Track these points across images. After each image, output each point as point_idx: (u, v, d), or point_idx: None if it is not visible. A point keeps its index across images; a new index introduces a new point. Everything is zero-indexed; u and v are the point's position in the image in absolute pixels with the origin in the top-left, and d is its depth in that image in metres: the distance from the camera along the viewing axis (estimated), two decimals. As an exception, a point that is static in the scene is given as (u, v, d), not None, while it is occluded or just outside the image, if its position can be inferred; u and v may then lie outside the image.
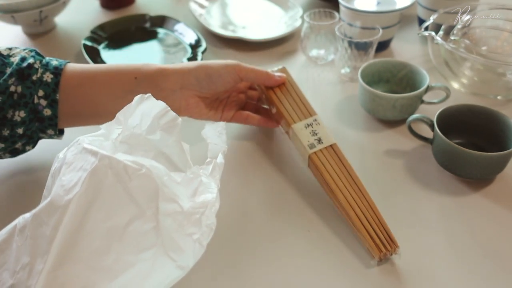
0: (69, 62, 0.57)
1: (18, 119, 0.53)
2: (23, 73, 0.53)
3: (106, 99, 0.56)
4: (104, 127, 0.44)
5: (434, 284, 0.48)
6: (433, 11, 0.79)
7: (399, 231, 0.51)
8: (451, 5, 0.76)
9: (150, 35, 0.91)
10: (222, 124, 0.51)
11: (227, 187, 0.60)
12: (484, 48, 0.78)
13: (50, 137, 0.58)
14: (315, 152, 0.56)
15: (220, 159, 0.46)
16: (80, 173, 0.37)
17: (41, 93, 0.54)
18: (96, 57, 0.83)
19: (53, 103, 0.54)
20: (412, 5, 0.81)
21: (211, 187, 0.42)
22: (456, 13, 0.75)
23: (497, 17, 0.77)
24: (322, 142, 0.57)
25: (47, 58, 0.56)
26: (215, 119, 0.63)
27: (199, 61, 0.61)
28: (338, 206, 0.53)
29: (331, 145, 0.57)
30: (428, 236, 0.53)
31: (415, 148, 0.64)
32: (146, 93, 0.46)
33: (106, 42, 0.88)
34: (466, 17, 0.74)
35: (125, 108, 0.45)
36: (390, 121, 0.69)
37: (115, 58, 0.84)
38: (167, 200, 0.38)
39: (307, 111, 0.61)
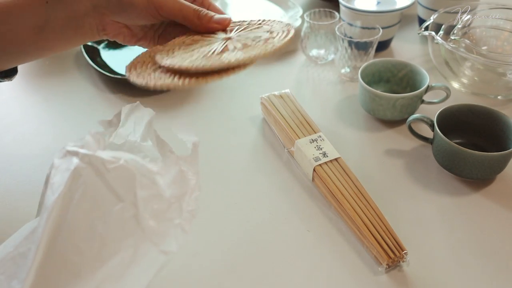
0: None
1: None
2: None
3: (23, 29, 0.49)
4: (101, 123, 0.46)
5: (434, 284, 0.48)
6: (433, 11, 0.79)
7: (399, 231, 0.51)
8: (451, 5, 0.76)
9: (150, 35, 0.91)
10: (188, 131, 0.48)
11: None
12: (484, 48, 0.77)
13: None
14: (320, 165, 0.56)
15: (193, 151, 0.46)
16: (65, 173, 0.38)
17: None
18: (96, 56, 0.83)
19: None
20: (412, 5, 0.81)
21: (189, 174, 0.42)
22: (456, 12, 0.74)
23: (497, 17, 0.77)
24: (327, 156, 0.57)
25: None
26: (148, 47, 0.54)
27: None
28: (345, 216, 0.53)
29: (336, 159, 0.57)
30: (427, 236, 0.53)
31: (415, 148, 0.64)
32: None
33: (106, 42, 0.88)
34: (466, 17, 0.74)
35: (118, 113, 0.46)
36: (390, 121, 0.69)
37: (115, 58, 0.84)
38: (146, 187, 0.39)
39: (312, 129, 0.62)
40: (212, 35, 0.48)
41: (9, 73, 0.53)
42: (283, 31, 0.46)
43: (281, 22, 0.50)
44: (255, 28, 0.48)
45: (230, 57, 0.42)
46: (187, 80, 0.41)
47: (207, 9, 0.51)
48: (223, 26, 0.49)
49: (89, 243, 0.37)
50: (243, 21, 0.51)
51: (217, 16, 0.49)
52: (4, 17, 0.48)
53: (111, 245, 0.37)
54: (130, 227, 0.38)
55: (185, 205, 0.40)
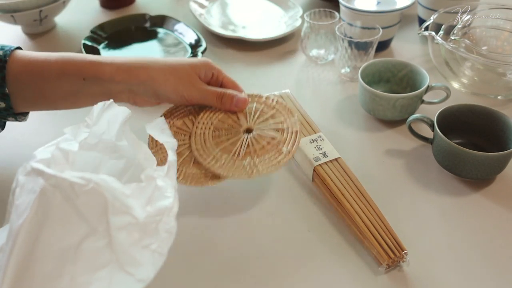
0: (16, 48, 0.54)
1: None
2: None
3: (56, 93, 0.54)
4: (69, 131, 0.44)
5: (434, 284, 0.48)
6: (433, 11, 0.79)
7: (399, 231, 0.51)
8: (451, 5, 0.76)
9: (150, 35, 0.91)
10: (161, 120, 0.49)
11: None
12: (484, 48, 0.77)
13: (14, 120, 0.57)
14: (320, 165, 0.56)
15: (171, 156, 0.44)
16: (30, 195, 0.36)
17: None
18: (96, 57, 0.83)
19: (4, 96, 0.53)
20: (412, 5, 0.81)
21: (167, 191, 0.40)
22: (456, 13, 0.74)
23: (497, 17, 0.77)
24: (327, 156, 0.57)
25: None
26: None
27: (156, 69, 0.55)
28: (345, 216, 0.53)
29: (336, 159, 0.57)
30: (427, 236, 0.53)
31: (415, 148, 0.64)
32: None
33: (106, 42, 0.88)
34: (466, 17, 0.74)
35: (90, 114, 0.46)
36: (390, 121, 0.69)
37: (115, 58, 0.84)
38: (119, 213, 0.36)
39: (312, 129, 0.62)
40: (236, 119, 0.57)
41: (23, 113, 0.58)
42: (290, 137, 0.54)
43: (291, 114, 0.57)
44: (269, 117, 0.57)
45: (255, 171, 0.51)
46: (214, 181, 0.51)
47: (221, 83, 0.59)
48: (241, 110, 0.58)
49: (59, 275, 0.34)
50: (256, 95, 0.60)
51: (236, 98, 0.57)
52: (39, 76, 0.53)
53: (82, 277, 0.35)
54: (104, 257, 0.35)
55: (162, 225, 0.37)
